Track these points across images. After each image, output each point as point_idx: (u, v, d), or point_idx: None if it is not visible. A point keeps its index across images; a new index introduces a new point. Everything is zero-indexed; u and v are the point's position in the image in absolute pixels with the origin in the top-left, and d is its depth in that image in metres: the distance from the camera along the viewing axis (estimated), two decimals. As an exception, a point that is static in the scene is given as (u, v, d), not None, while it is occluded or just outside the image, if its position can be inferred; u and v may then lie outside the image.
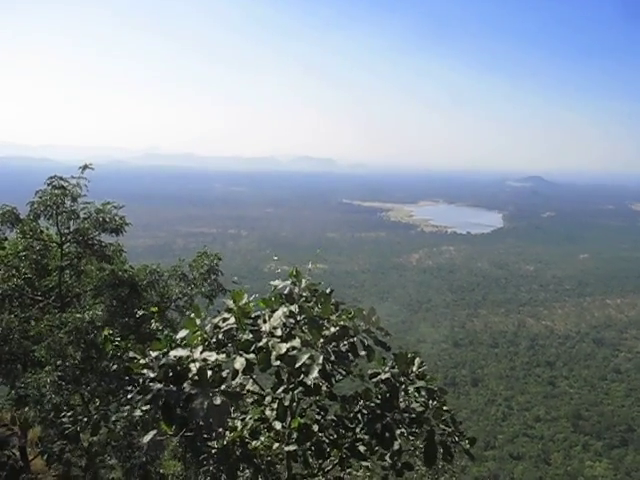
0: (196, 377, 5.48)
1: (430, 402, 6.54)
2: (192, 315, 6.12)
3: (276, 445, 6.22)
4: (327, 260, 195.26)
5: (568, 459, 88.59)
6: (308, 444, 6.21)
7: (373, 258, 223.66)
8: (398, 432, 6.29)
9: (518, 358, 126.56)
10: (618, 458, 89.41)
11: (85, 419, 6.56)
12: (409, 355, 6.75)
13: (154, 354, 5.69)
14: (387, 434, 6.17)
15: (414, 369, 6.71)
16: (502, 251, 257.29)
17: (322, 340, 5.96)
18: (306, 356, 5.66)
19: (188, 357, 5.63)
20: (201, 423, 5.35)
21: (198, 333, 6.02)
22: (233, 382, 5.98)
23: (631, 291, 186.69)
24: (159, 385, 5.41)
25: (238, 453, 6.10)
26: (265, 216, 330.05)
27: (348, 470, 6.86)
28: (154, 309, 9.97)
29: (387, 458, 6.46)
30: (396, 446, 6.23)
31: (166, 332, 6.17)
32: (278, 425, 6.09)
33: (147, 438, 5.51)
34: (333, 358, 5.95)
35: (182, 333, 6.04)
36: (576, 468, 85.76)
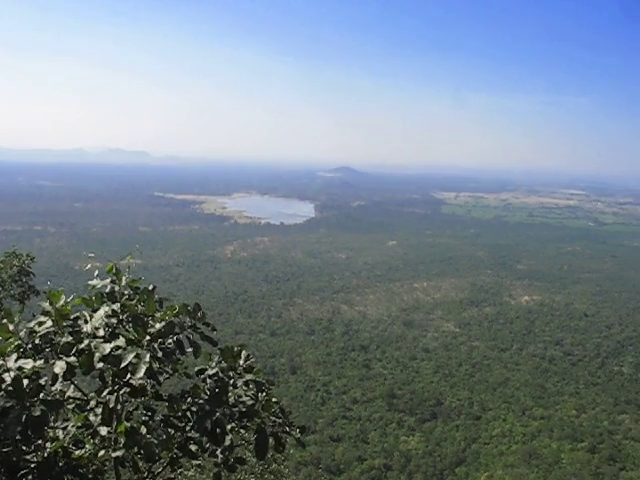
0: (10, 388, 5.07)
1: (259, 395, 6.50)
2: (4, 321, 5.66)
3: (102, 452, 5.89)
4: (140, 255, 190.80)
5: (384, 436, 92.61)
6: (136, 448, 5.95)
7: (187, 251, 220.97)
8: (229, 427, 6.19)
9: (334, 344, 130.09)
10: (429, 430, 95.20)
11: None
12: (236, 349, 6.67)
13: (-40, 367, 5.19)
14: (218, 430, 6.05)
15: (241, 362, 6.64)
16: (315, 240, 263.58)
17: (148, 338, 5.76)
18: (132, 355, 5.44)
19: (1, 367, 5.20)
20: (18, 437, 4.97)
21: (12, 339, 5.57)
22: (52, 389, 5.61)
23: (436, 275, 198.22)
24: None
25: (61, 464, 5.72)
26: (74, 211, 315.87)
27: (179, 470, 6.67)
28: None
29: (219, 454, 6.36)
30: (227, 442, 6.14)
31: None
32: (104, 430, 5.76)
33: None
34: (160, 355, 5.77)
35: (-7, 341, 5.55)
36: (392, 444, 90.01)
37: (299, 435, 6.68)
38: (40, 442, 5.56)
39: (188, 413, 6.28)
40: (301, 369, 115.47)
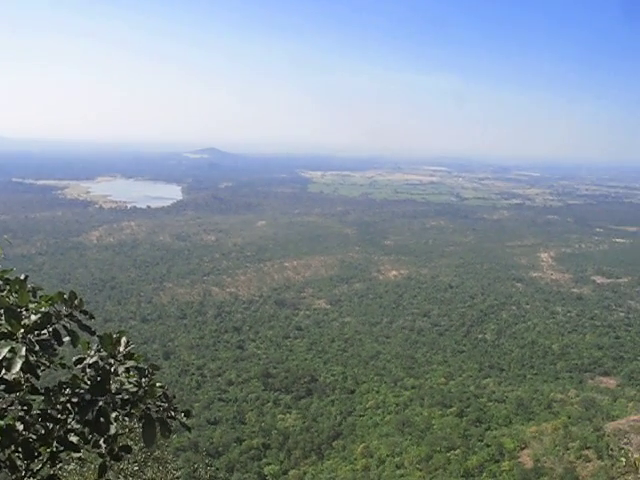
0: None
1: (142, 381, 6.38)
2: None
3: (-27, 454, 5.59)
4: (10, 245, 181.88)
5: (262, 416, 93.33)
6: (13, 446, 5.68)
7: (50, 239, 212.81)
8: (113, 415, 6.03)
9: (207, 327, 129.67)
10: (305, 407, 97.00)
11: None
12: (114, 336, 6.50)
13: None
14: (102, 419, 5.88)
15: (121, 349, 6.48)
16: (183, 223, 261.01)
17: (22, 330, 5.50)
18: (6, 350, 5.18)
19: None
20: None
21: None
22: None
23: (305, 253, 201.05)
24: None
25: None
26: None
27: (59, 465, 6.43)
28: None
29: (102, 444, 6.18)
30: (113, 430, 5.97)
31: None
32: (-24, 431, 5.47)
33: None
34: (37, 348, 5.53)
35: None
36: (269, 423, 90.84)
37: (185, 419, 6.59)
38: None
39: (68, 405, 6.06)
40: (174, 354, 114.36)
